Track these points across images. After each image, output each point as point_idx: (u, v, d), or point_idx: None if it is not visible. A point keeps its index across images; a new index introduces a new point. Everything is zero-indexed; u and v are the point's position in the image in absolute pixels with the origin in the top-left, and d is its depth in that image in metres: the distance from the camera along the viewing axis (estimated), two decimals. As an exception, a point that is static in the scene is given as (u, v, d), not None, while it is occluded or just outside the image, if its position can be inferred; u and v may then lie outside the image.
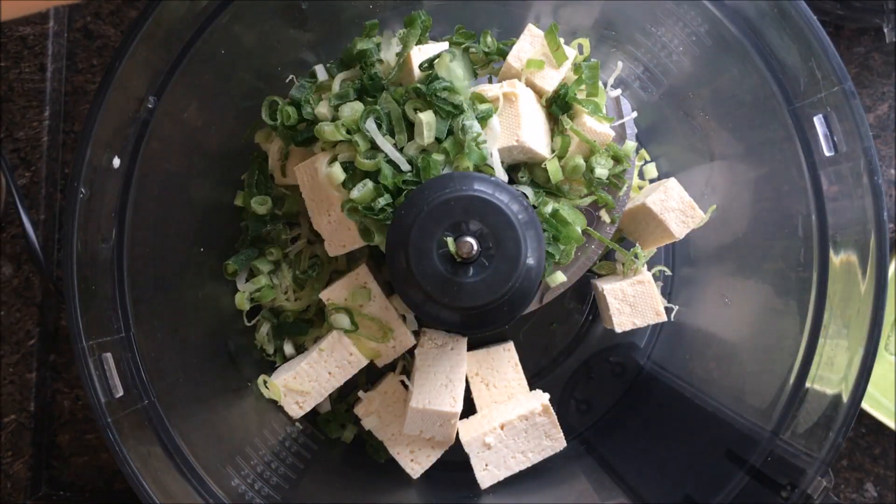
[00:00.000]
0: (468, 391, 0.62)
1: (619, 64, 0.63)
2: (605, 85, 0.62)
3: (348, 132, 0.56)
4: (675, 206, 0.60)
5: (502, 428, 0.59)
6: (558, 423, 0.59)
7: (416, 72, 0.58)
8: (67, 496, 0.71)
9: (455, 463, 0.63)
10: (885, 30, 0.66)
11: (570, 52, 0.60)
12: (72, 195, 0.50)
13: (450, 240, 0.50)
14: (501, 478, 0.60)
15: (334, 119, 0.57)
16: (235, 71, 0.60)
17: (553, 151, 0.59)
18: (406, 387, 0.63)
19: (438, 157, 0.54)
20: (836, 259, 0.51)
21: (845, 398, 0.49)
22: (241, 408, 0.61)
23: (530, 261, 0.52)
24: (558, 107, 0.59)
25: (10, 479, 0.68)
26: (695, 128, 0.64)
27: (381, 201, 0.54)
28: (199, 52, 0.55)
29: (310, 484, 0.61)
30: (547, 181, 0.58)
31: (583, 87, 0.60)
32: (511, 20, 0.64)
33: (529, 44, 0.59)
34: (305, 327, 0.65)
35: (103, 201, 0.52)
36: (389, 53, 0.59)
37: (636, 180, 0.66)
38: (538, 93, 0.59)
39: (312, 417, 0.65)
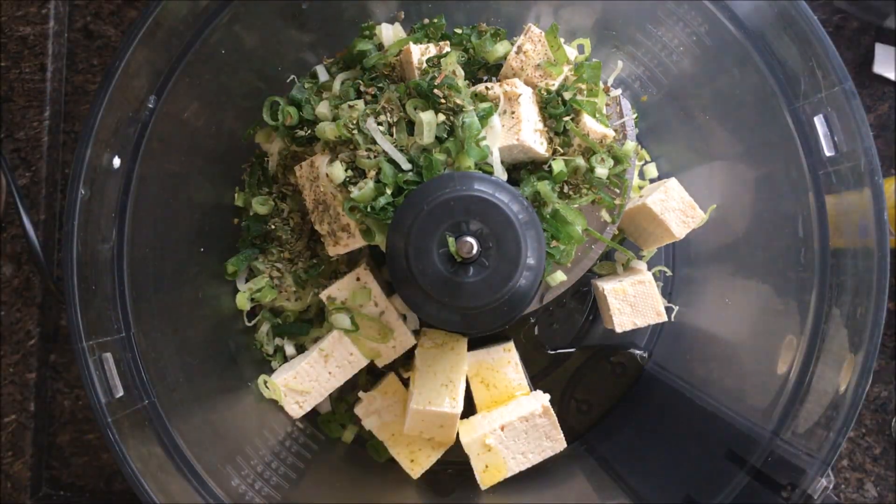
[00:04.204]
0: (468, 391, 0.62)
1: (620, 64, 0.63)
2: (605, 84, 0.62)
3: (349, 132, 0.56)
4: (676, 206, 0.60)
5: (502, 429, 0.59)
6: (558, 424, 0.59)
7: (416, 68, 0.58)
8: (67, 496, 0.71)
9: (455, 463, 0.63)
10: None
11: (571, 52, 0.60)
12: (72, 195, 0.50)
13: (450, 240, 0.50)
14: (501, 478, 0.60)
15: (335, 119, 0.57)
16: (236, 71, 0.60)
17: (554, 151, 0.59)
18: (406, 386, 0.63)
19: (440, 156, 0.54)
20: (836, 259, 0.51)
21: (845, 398, 0.49)
22: (241, 408, 0.61)
23: (530, 261, 0.51)
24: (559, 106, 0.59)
25: (11, 479, 0.68)
26: (695, 128, 0.63)
27: (382, 200, 0.54)
28: (199, 52, 0.55)
29: (310, 484, 0.61)
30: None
31: (583, 86, 0.60)
32: (511, 20, 0.64)
33: (530, 44, 0.59)
34: (306, 327, 0.65)
35: (103, 201, 0.52)
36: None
37: (636, 180, 0.66)
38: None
39: (313, 417, 0.65)
